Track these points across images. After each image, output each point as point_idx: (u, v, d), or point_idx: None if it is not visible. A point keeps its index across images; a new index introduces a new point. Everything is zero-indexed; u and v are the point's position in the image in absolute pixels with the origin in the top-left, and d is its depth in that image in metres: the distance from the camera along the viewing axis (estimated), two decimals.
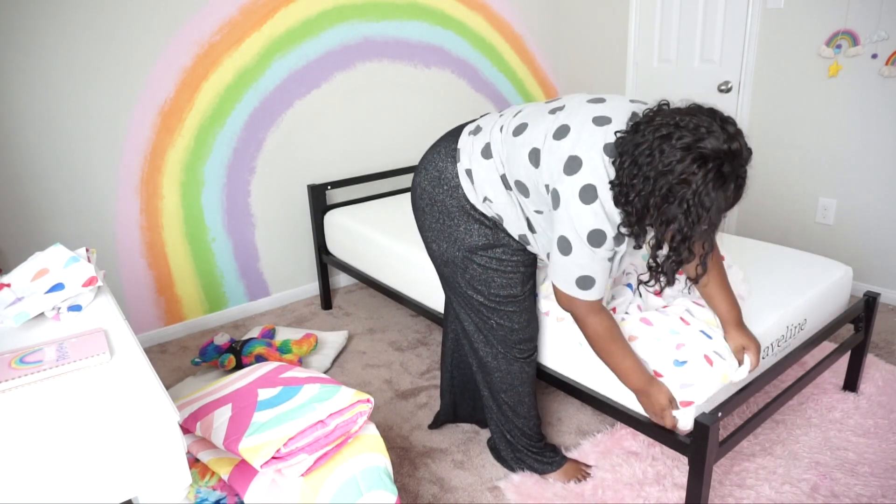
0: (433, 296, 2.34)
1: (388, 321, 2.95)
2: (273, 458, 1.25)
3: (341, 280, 3.41)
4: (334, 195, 3.24)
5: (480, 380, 1.83)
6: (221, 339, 2.54)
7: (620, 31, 3.65)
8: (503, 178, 1.51)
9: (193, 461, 1.41)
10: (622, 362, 1.51)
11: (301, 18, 2.91)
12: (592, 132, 1.34)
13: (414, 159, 3.51)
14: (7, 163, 2.35)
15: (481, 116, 1.67)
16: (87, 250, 1.40)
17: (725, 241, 2.28)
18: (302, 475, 1.29)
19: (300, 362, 2.51)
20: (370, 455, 1.38)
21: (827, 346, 2.45)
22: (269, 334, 2.68)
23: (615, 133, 1.31)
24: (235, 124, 2.83)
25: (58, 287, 1.21)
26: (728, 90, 3.20)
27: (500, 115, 1.59)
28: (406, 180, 3.50)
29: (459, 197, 1.59)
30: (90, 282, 1.24)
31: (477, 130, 1.60)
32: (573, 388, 1.82)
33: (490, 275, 1.62)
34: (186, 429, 1.41)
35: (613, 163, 1.30)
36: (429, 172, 1.65)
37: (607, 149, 1.32)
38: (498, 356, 1.74)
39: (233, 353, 2.46)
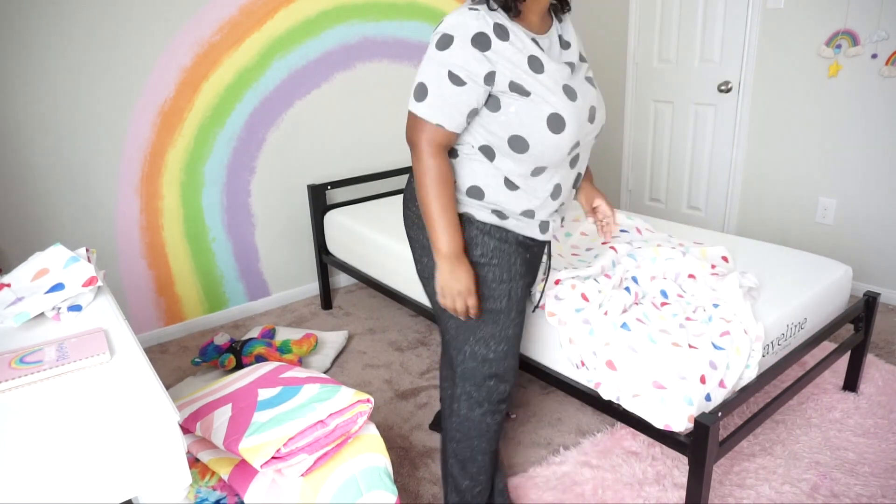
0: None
1: (388, 321, 2.95)
2: (273, 458, 1.25)
3: (341, 280, 3.41)
4: (334, 195, 3.24)
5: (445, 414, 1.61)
6: (221, 339, 2.54)
7: (620, 31, 3.65)
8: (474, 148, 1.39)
9: (193, 461, 1.41)
10: (442, 216, 1.34)
11: (301, 18, 2.91)
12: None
13: None
14: (7, 163, 2.35)
15: None
16: (87, 250, 1.40)
17: (726, 242, 2.29)
18: (302, 475, 1.29)
19: (300, 362, 2.51)
20: (370, 455, 1.38)
21: (827, 346, 2.45)
22: (269, 334, 2.68)
23: None
24: (235, 124, 2.83)
25: (58, 287, 1.21)
26: (728, 90, 3.20)
27: None
28: (405, 179, 3.50)
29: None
30: (90, 282, 1.24)
31: None
32: (573, 388, 1.82)
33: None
34: (186, 429, 1.41)
35: None
36: (405, 194, 1.55)
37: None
38: (460, 398, 1.52)
39: (233, 353, 2.46)
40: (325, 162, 3.17)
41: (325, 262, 3.07)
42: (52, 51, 2.34)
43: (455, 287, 1.37)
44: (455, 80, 1.27)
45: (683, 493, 1.75)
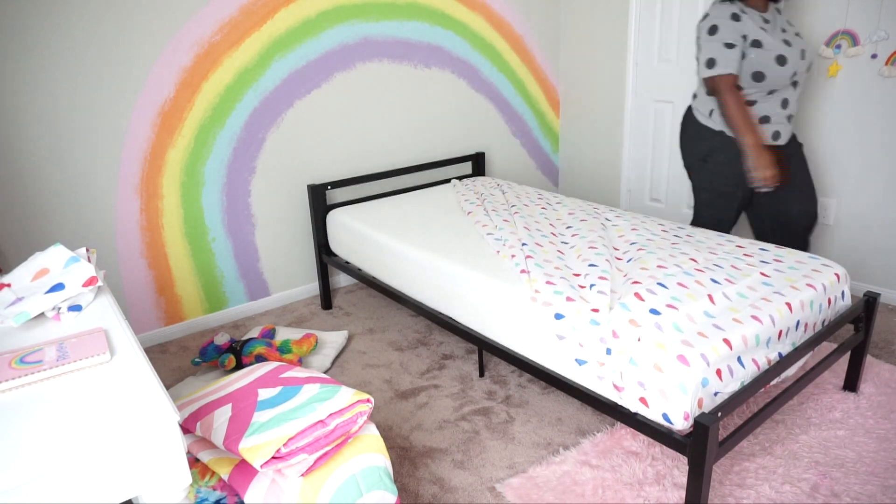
0: (433, 296, 2.34)
1: (388, 321, 2.95)
2: (273, 458, 1.25)
3: (341, 280, 3.41)
4: (334, 195, 3.24)
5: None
6: (221, 339, 2.54)
7: (620, 31, 3.65)
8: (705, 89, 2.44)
9: (193, 461, 1.41)
10: (749, 120, 2.29)
11: (301, 18, 2.91)
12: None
13: (414, 159, 3.51)
14: (7, 163, 2.35)
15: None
16: (87, 250, 1.40)
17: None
18: (302, 475, 1.29)
19: (300, 362, 2.51)
20: (370, 455, 1.38)
21: (827, 346, 2.45)
22: (270, 334, 2.68)
23: None
24: (235, 124, 2.83)
25: (58, 287, 1.22)
26: None
27: None
28: (406, 180, 3.51)
29: (695, 124, 2.53)
30: (90, 282, 1.24)
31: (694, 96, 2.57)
32: (573, 388, 1.83)
33: (717, 171, 2.47)
34: (186, 429, 1.41)
35: None
36: (682, 130, 2.62)
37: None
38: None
39: (233, 353, 2.46)
40: (325, 162, 3.17)
41: (326, 262, 3.07)
42: (52, 51, 2.34)
43: (764, 160, 2.29)
44: (728, 46, 2.27)
45: (683, 493, 1.75)
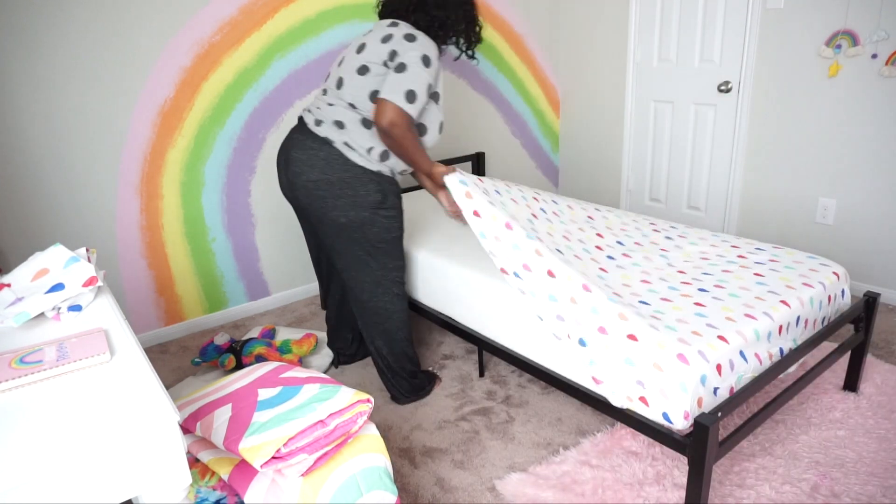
0: (434, 295, 2.34)
1: None
2: (273, 458, 1.25)
3: None
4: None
5: (376, 332, 2.14)
6: (221, 339, 2.54)
7: (620, 31, 3.65)
8: (363, 120, 1.91)
9: (193, 461, 1.41)
10: (416, 153, 1.92)
11: (301, 18, 2.91)
12: (380, 28, 1.95)
13: None
14: (7, 163, 2.35)
15: (305, 113, 2.05)
16: (87, 250, 1.40)
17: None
18: (302, 475, 1.29)
19: (300, 362, 2.51)
20: (370, 455, 1.38)
21: (827, 346, 2.45)
22: (270, 334, 2.68)
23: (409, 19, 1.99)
24: (235, 124, 2.83)
25: (58, 287, 1.21)
26: (728, 90, 3.20)
27: (323, 95, 2.00)
28: (405, 180, 3.50)
29: (350, 166, 1.91)
30: (90, 282, 1.24)
31: (318, 122, 1.95)
32: (573, 388, 1.82)
33: (391, 223, 2.00)
34: (186, 429, 1.41)
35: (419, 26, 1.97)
36: (313, 165, 1.92)
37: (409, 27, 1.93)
38: (395, 300, 2.11)
39: (233, 354, 2.46)
40: None
41: None
42: (52, 51, 2.34)
43: (441, 171, 2.00)
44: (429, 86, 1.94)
45: (683, 493, 1.75)
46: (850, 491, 1.74)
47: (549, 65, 4.02)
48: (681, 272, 2.04)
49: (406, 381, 2.23)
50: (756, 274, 1.99)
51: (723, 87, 3.21)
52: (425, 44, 1.87)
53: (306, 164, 1.92)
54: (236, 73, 2.77)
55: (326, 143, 1.92)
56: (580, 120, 4.06)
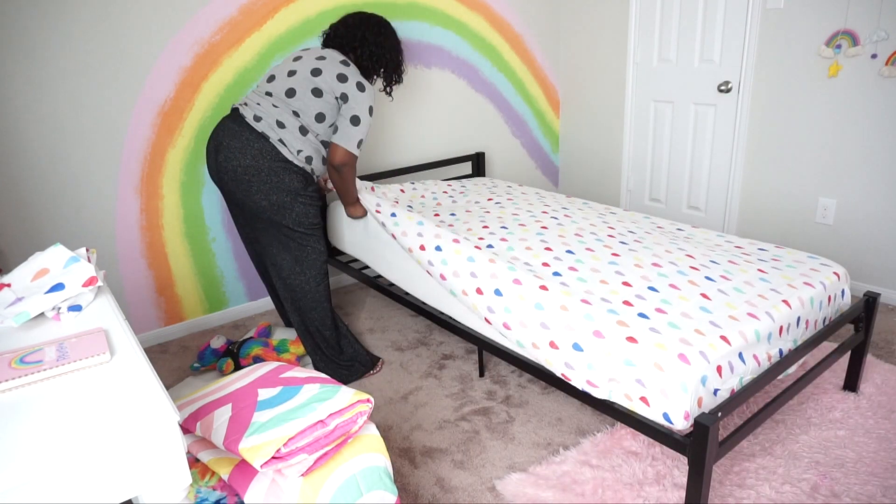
0: (434, 296, 2.34)
1: (388, 321, 2.95)
2: (273, 458, 1.25)
3: (341, 280, 3.41)
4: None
5: (292, 308, 2.34)
6: (217, 343, 2.53)
7: (620, 31, 3.65)
8: (301, 127, 2.17)
9: (193, 461, 1.41)
10: (352, 186, 2.41)
11: (301, 18, 2.91)
12: (334, 62, 2.25)
13: (413, 159, 3.51)
14: (7, 163, 2.35)
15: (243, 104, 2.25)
16: (87, 250, 1.40)
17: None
18: (302, 475, 1.29)
19: (298, 362, 2.51)
20: (370, 455, 1.38)
21: (827, 346, 2.45)
22: (265, 332, 2.67)
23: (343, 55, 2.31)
24: None
25: (58, 287, 1.21)
26: (728, 90, 3.20)
27: (267, 96, 2.21)
28: (406, 179, 3.50)
29: (280, 159, 2.15)
30: (90, 282, 1.24)
31: (258, 119, 2.16)
32: (573, 388, 1.82)
33: (308, 209, 2.22)
34: (186, 429, 1.41)
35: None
36: (245, 153, 2.13)
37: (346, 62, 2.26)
38: (311, 281, 2.31)
39: (230, 356, 2.46)
40: None
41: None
42: (52, 51, 2.34)
43: (359, 213, 2.58)
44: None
45: (683, 493, 1.75)
46: (850, 491, 1.74)
47: (549, 65, 4.02)
48: (689, 256, 2.14)
49: (333, 361, 2.42)
50: (759, 270, 2.01)
51: (723, 87, 3.21)
52: (371, 94, 2.24)
53: (239, 152, 2.13)
54: (236, 72, 2.77)
55: (263, 137, 2.14)
56: (580, 120, 4.07)
